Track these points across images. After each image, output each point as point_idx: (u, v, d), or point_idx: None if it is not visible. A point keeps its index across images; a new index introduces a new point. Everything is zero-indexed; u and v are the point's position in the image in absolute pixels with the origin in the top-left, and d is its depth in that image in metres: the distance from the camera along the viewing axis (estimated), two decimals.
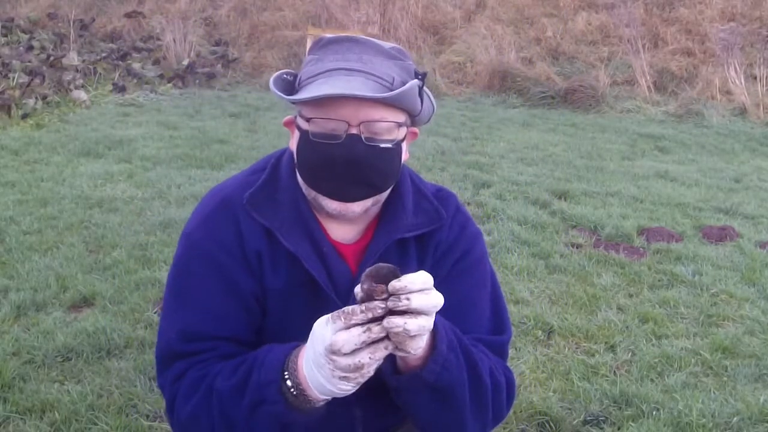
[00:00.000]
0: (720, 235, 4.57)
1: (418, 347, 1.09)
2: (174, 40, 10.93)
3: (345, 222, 1.34)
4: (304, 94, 1.24)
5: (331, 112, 1.22)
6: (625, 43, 10.29)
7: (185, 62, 10.61)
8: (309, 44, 10.56)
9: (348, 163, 1.23)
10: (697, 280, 3.83)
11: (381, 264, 1.07)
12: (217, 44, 11.78)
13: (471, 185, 5.50)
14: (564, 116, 9.06)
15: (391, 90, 1.23)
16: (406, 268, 1.28)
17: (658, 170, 6.33)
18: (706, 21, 10.55)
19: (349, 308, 1.05)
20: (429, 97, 1.33)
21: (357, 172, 1.24)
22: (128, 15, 12.34)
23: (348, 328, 1.04)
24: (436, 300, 1.06)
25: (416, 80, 1.25)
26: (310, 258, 1.30)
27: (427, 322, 1.06)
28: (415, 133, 1.36)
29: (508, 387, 1.34)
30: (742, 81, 9.34)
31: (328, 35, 1.30)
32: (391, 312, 1.04)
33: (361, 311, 1.03)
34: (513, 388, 1.36)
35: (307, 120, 1.25)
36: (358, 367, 1.05)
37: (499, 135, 7.64)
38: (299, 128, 1.29)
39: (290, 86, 1.30)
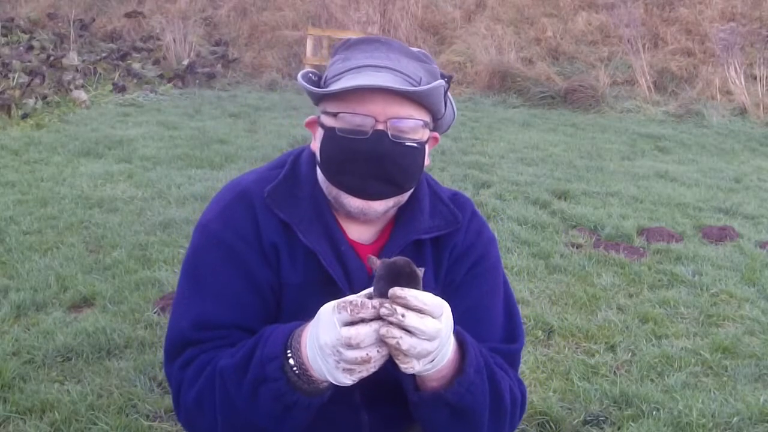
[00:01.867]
0: (720, 235, 4.57)
1: (409, 366, 1.07)
2: (174, 40, 10.93)
3: (363, 222, 1.34)
4: (331, 88, 1.24)
5: (358, 107, 1.22)
6: (625, 43, 10.29)
7: (185, 62, 10.61)
8: (309, 44, 10.58)
9: (373, 158, 1.23)
10: (697, 280, 3.83)
11: (402, 258, 1.06)
12: (217, 44, 11.78)
13: (471, 185, 5.50)
14: (564, 116, 9.06)
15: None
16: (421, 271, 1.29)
17: (658, 170, 6.33)
18: (706, 21, 10.55)
19: (357, 300, 1.03)
20: (451, 103, 1.34)
21: (381, 169, 1.24)
22: (128, 15, 12.34)
23: (354, 322, 1.03)
24: (430, 327, 1.03)
25: (443, 80, 1.25)
26: (327, 255, 1.29)
27: (421, 346, 1.04)
28: (436, 139, 1.36)
29: (522, 400, 1.34)
30: (742, 81, 9.34)
31: (354, 36, 1.30)
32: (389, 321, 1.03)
33: (373, 306, 1.02)
34: (525, 401, 1.37)
35: (334, 115, 1.24)
36: (365, 360, 1.04)
37: (499, 135, 7.64)
38: (323, 126, 1.28)
39: (315, 86, 1.30)
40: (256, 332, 1.28)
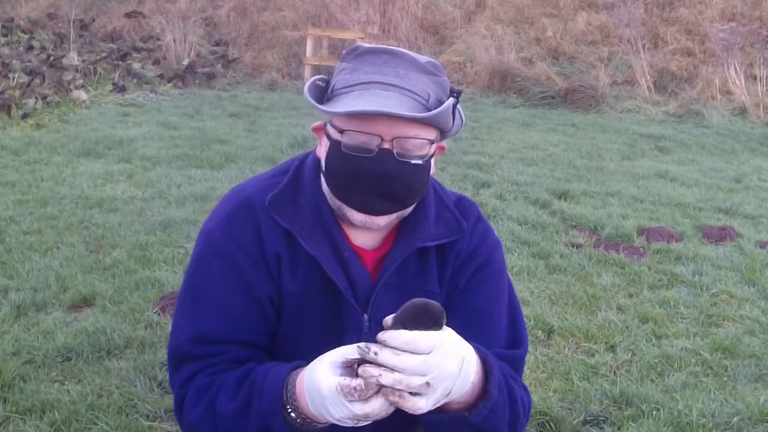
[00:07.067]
0: (720, 235, 4.57)
1: (416, 408, 1.06)
2: (174, 40, 10.92)
3: (366, 229, 1.33)
4: (338, 105, 1.23)
5: (364, 125, 1.21)
6: (625, 43, 10.28)
7: (185, 62, 10.60)
8: (309, 44, 10.58)
9: (378, 177, 1.23)
10: (697, 280, 3.83)
11: (423, 301, 1.07)
12: (217, 44, 11.77)
13: (471, 185, 5.50)
14: (564, 116, 9.06)
15: (426, 106, 1.23)
16: (426, 277, 1.31)
17: (658, 170, 6.33)
18: (706, 21, 10.55)
19: (360, 384, 1.06)
20: (460, 113, 1.33)
21: (386, 187, 1.24)
22: (128, 15, 12.34)
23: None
24: (406, 363, 1.03)
25: (452, 99, 1.24)
26: (330, 262, 1.30)
27: (407, 380, 1.03)
28: (442, 148, 1.35)
29: (528, 408, 1.35)
30: (742, 81, 9.34)
31: (365, 44, 1.29)
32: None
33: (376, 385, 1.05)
34: (531, 408, 1.37)
35: (340, 131, 1.24)
36: (365, 416, 1.07)
37: (499, 135, 7.64)
38: (329, 137, 1.28)
39: (322, 93, 1.29)
40: (256, 345, 1.31)
